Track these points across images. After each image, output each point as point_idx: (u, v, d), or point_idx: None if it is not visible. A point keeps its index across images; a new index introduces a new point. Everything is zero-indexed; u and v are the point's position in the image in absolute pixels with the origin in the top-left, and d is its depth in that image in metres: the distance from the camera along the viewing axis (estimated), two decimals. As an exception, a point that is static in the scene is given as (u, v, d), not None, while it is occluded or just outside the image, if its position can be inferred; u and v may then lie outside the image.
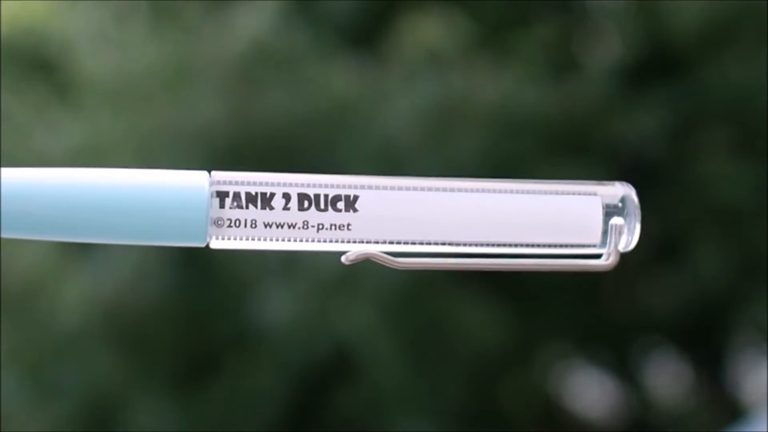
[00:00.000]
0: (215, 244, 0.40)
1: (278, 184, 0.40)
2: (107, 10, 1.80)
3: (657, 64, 1.77)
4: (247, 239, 0.40)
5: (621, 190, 0.42)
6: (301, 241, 0.40)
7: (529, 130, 1.68)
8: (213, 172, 0.40)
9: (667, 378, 1.92)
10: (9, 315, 1.66)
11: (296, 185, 0.40)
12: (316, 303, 1.61)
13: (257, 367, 1.64)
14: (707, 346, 1.92)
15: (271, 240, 0.40)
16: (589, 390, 1.95)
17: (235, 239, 0.40)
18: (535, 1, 1.85)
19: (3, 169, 0.37)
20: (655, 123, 1.74)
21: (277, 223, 0.40)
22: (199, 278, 1.66)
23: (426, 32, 1.72)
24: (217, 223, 0.39)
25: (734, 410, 1.86)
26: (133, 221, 0.38)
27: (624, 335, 1.87)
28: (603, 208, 0.41)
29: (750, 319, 1.88)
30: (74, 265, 1.67)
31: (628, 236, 0.41)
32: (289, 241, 0.40)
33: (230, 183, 0.40)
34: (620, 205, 0.42)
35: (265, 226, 0.40)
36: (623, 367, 1.92)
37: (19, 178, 0.37)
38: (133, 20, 1.80)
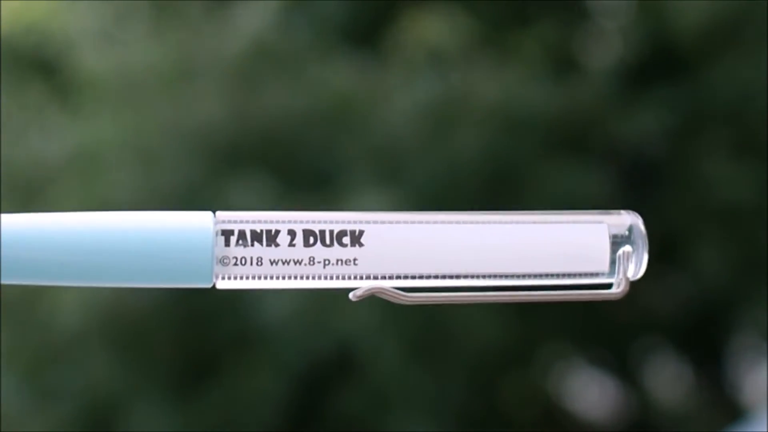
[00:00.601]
0: (222, 284, 0.39)
1: (283, 221, 0.40)
2: (107, 9, 1.80)
3: (658, 64, 1.77)
4: (254, 278, 0.40)
5: (628, 220, 0.41)
6: (307, 278, 0.40)
7: (529, 129, 1.68)
8: (218, 212, 0.39)
9: (667, 378, 1.92)
10: (8, 318, 1.66)
11: (301, 222, 0.40)
12: (316, 302, 1.61)
13: (257, 367, 1.64)
14: (707, 347, 1.92)
15: (278, 278, 0.40)
16: (589, 390, 1.95)
17: (241, 278, 0.39)
18: (537, 0, 1.85)
19: (3, 215, 0.37)
20: (655, 123, 1.74)
21: (283, 260, 0.40)
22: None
23: (427, 30, 1.72)
24: (223, 261, 0.39)
25: (734, 410, 1.86)
26: (137, 264, 0.38)
27: (624, 335, 1.86)
28: (610, 237, 0.41)
29: (750, 320, 1.87)
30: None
31: (637, 265, 0.41)
32: (295, 278, 0.40)
33: (235, 222, 0.39)
34: (627, 233, 0.41)
35: (271, 263, 0.39)
36: (623, 367, 1.92)
37: (19, 224, 0.37)
38: (133, 19, 1.80)
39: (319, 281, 0.40)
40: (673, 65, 1.77)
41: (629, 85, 1.76)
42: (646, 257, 0.41)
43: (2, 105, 1.77)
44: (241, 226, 0.39)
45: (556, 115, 1.69)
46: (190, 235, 0.38)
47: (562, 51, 1.79)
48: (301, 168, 1.68)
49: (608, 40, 1.85)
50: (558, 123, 1.69)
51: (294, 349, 1.64)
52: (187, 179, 1.66)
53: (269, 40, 1.71)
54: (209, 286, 0.39)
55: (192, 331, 1.67)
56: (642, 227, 0.41)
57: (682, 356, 1.92)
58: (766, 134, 1.72)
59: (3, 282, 0.37)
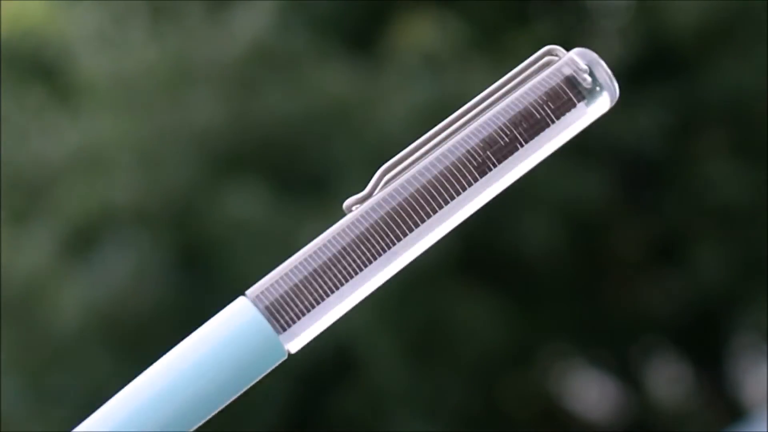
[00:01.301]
0: (295, 346, 0.37)
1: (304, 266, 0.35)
2: (106, 12, 1.81)
3: (656, 65, 1.77)
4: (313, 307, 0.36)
5: (586, 56, 0.38)
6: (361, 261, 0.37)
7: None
8: (247, 292, 0.36)
9: (667, 378, 1.92)
10: (9, 320, 1.66)
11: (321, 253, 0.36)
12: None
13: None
14: (707, 347, 1.92)
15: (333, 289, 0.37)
16: (589, 390, 1.95)
17: (306, 323, 0.36)
18: (532, 1, 1.85)
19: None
20: (654, 123, 1.74)
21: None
22: (198, 280, 1.66)
23: (421, 33, 1.72)
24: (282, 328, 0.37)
25: (734, 410, 1.86)
26: (217, 390, 0.35)
27: (624, 335, 1.86)
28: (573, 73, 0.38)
29: (750, 320, 1.87)
30: (73, 270, 1.67)
31: (609, 81, 0.38)
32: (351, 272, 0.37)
33: (266, 289, 0.35)
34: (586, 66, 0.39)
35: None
36: (623, 367, 1.91)
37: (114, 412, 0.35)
38: (131, 22, 1.80)
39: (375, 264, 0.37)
40: (672, 65, 1.77)
41: (627, 85, 1.75)
42: (613, 80, 0.38)
43: (2, 107, 1.78)
44: (276, 291, 0.35)
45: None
46: (241, 332, 0.35)
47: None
48: (297, 170, 1.68)
49: (606, 40, 1.85)
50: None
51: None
52: (186, 180, 1.66)
53: (267, 43, 1.71)
54: (286, 357, 0.37)
55: (191, 332, 1.67)
56: (595, 56, 0.38)
57: (682, 356, 1.92)
58: (765, 134, 1.72)
59: None
